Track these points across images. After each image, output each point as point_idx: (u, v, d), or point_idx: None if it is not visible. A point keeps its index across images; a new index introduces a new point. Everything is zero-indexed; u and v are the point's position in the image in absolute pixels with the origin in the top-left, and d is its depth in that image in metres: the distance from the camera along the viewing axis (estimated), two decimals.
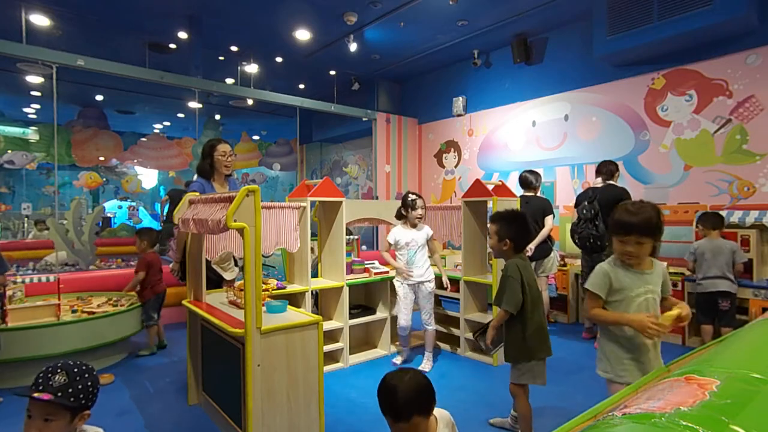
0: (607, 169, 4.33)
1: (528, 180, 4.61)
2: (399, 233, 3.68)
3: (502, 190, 3.96)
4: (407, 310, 3.65)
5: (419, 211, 3.63)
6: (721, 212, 4.26)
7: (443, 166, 7.61)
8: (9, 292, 3.49)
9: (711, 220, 3.91)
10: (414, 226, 3.68)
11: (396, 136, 7.81)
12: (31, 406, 1.28)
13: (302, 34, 6.12)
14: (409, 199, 3.66)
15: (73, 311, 3.71)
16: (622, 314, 1.86)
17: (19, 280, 3.97)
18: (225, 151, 3.53)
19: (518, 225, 2.48)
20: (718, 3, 4.14)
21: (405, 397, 1.45)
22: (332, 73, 7.73)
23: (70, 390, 1.30)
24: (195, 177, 3.62)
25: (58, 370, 1.31)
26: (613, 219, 1.90)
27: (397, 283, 3.70)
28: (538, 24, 5.85)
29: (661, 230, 1.85)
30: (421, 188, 8.04)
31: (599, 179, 4.37)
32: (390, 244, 3.71)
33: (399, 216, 3.75)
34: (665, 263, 4.61)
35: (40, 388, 1.28)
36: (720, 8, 4.14)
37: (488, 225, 2.85)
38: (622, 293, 1.88)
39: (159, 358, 3.92)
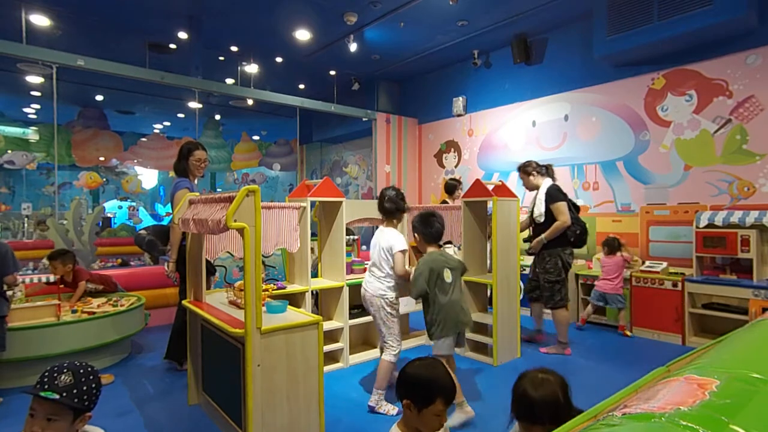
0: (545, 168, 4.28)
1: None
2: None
3: (502, 190, 3.96)
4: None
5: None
6: (720, 212, 4.28)
7: (443, 166, 7.61)
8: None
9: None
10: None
11: (396, 137, 7.81)
12: (34, 405, 1.27)
13: (302, 34, 6.11)
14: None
15: (73, 311, 3.71)
16: None
17: (19, 280, 3.97)
18: (200, 158, 3.61)
19: (425, 222, 2.89)
20: (718, 3, 4.14)
21: (452, 378, 1.57)
22: (332, 73, 7.73)
23: (75, 391, 1.30)
24: (176, 176, 3.66)
25: (65, 370, 1.31)
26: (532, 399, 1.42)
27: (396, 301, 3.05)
28: (538, 24, 5.85)
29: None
30: (421, 188, 8.04)
31: (549, 179, 4.20)
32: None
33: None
34: (665, 264, 4.63)
35: (46, 387, 1.27)
36: (720, 8, 4.14)
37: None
38: None
39: (159, 358, 3.92)
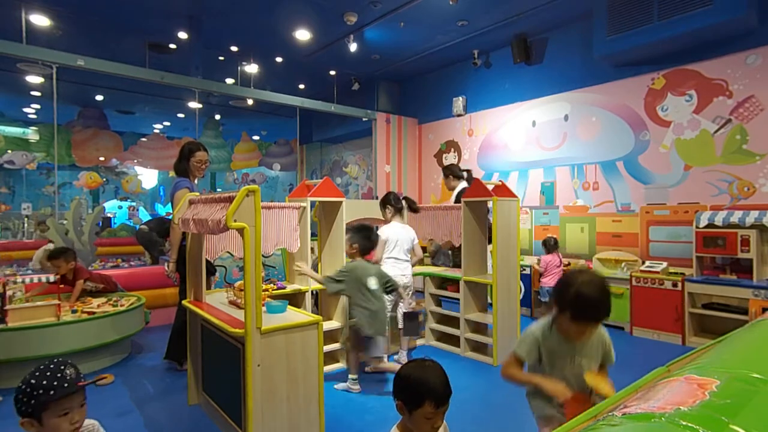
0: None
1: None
2: None
3: (502, 190, 3.96)
4: None
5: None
6: (720, 212, 4.28)
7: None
8: (9, 292, 3.49)
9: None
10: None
11: (396, 136, 7.81)
12: (68, 403, 1.36)
13: (302, 34, 6.11)
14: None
15: (73, 311, 3.71)
16: (532, 376, 1.71)
17: (19, 280, 3.97)
18: (201, 159, 3.61)
19: (366, 235, 3.34)
20: (718, 3, 4.14)
21: (447, 381, 1.50)
22: (332, 73, 7.73)
23: (83, 376, 1.43)
24: (176, 176, 3.65)
25: (63, 366, 1.39)
26: (587, 303, 1.57)
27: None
28: (538, 24, 5.85)
29: None
30: (421, 188, 8.04)
31: (465, 183, 4.70)
32: None
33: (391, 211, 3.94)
34: (665, 264, 4.62)
35: (66, 384, 1.35)
36: (720, 8, 4.14)
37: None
38: (550, 359, 1.70)
39: (159, 358, 3.92)
